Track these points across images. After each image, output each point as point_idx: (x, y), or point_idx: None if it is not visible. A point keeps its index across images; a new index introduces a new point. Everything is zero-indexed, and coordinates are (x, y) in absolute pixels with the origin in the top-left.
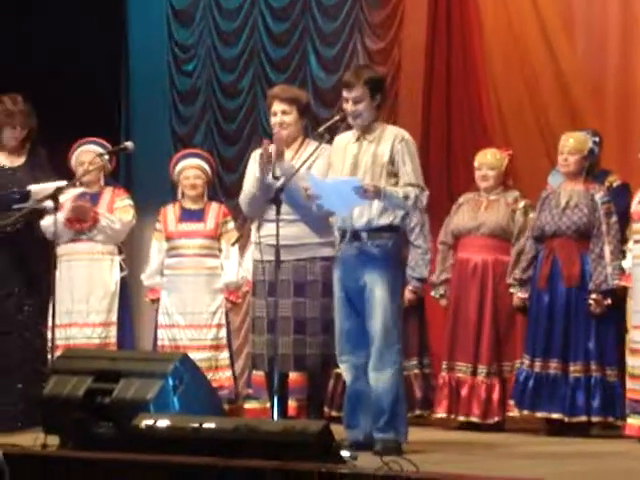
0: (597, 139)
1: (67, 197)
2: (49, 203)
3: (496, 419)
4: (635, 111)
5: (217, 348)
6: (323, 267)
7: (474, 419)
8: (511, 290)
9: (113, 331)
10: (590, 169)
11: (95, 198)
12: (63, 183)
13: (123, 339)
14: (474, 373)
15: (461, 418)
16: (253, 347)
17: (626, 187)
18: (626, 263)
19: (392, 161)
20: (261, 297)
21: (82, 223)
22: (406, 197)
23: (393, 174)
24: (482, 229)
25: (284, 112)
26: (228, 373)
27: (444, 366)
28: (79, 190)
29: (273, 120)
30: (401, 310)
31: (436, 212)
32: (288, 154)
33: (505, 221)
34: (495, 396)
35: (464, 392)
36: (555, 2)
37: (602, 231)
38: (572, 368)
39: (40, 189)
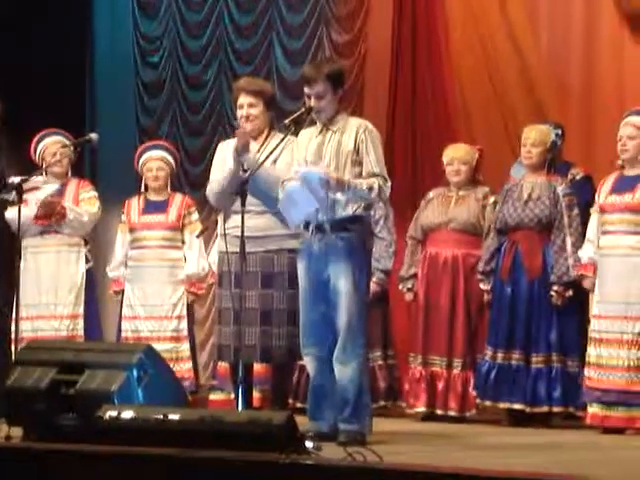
0: (559, 131)
1: (41, 195)
2: (13, 195)
3: (473, 411)
4: (598, 105)
5: (177, 339)
6: (290, 259)
7: (452, 413)
8: (480, 285)
9: (80, 323)
10: (552, 161)
11: (61, 190)
12: (39, 178)
13: (90, 331)
14: (449, 366)
15: (439, 412)
16: (219, 338)
17: (589, 179)
18: (583, 252)
19: (357, 150)
20: (227, 288)
21: (50, 218)
22: (370, 189)
23: (357, 163)
24: (452, 224)
25: (251, 105)
26: (189, 365)
27: (419, 360)
28: (54, 187)
29: (239, 113)
30: (366, 302)
31: (400, 205)
32: (254, 146)
33: (475, 217)
34: (471, 389)
35: (440, 386)
36: None
37: (564, 223)
38: (534, 359)
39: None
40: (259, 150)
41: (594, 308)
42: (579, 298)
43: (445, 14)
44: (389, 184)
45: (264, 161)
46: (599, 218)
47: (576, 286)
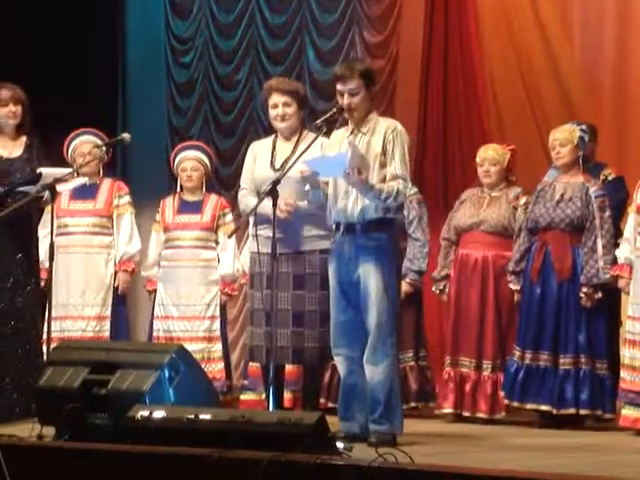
0: (584, 127)
1: (69, 186)
2: (47, 194)
3: (503, 414)
4: (631, 106)
5: (210, 340)
6: (322, 259)
7: (481, 415)
8: (510, 285)
9: (107, 325)
10: (585, 160)
11: (94, 189)
12: (69, 170)
13: (117, 332)
14: (478, 368)
15: (466, 414)
16: (251, 339)
17: (621, 180)
18: (620, 252)
19: (384, 151)
20: (259, 289)
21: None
22: (387, 197)
23: (385, 165)
24: (483, 226)
25: (285, 104)
26: (220, 365)
27: (448, 361)
28: (81, 180)
29: (274, 112)
30: (396, 303)
31: (431, 205)
32: (288, 146)
33: (506, 218)
34: (500, 391)
35: (468, 387)
36: None
37: (595, 225)
38: (562, 360)
39: (51, 173)
40: (293, 150)
41: (628, 309)
42: (609, 300)
43: (477, 15)
44: (409, 186)
45: (295, 161)
46: (636, 218)
47: (606, 288)
